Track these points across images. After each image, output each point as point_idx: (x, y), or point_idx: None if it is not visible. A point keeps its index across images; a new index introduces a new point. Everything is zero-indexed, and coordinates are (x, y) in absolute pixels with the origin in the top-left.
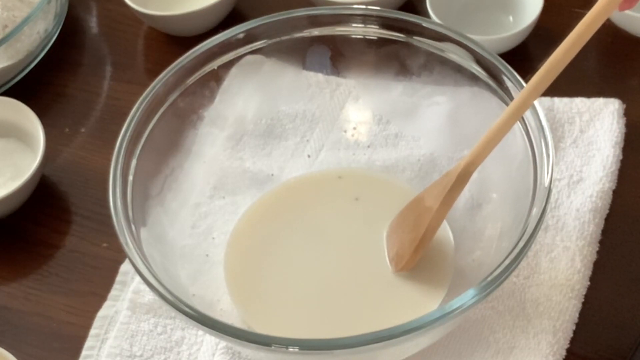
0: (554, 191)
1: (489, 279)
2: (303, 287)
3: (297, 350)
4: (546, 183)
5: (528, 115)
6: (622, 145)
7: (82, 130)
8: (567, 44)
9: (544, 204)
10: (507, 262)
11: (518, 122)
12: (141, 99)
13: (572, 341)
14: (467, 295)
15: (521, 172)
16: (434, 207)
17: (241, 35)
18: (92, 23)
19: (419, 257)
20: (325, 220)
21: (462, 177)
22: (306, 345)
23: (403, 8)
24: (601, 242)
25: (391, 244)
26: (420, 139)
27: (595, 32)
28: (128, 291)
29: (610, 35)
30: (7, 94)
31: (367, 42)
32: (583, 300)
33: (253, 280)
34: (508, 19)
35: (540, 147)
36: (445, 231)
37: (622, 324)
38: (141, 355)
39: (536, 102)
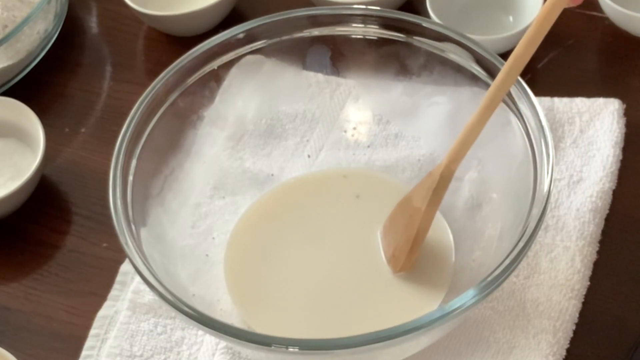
0: (554, 191)
1: (489, 279)
2: (303, 286)
3: (297, 350)
4: (546, 183)
5: (528, 115)
6: (622, 145)
7: (82, 130)
8: (526, 39)
9: (544, 204)
10: (507, 262)
11: (518, 122)
12: (141, 99)
13: (572, 341)
14: (467, 296)
15: (521, 172)
16: (422, 207)
17: (241, 35)
18: (92, 23)
19: (415, 257)
20: (325, 220)
21: (445, 177)
22: (306, 345)
23: (403, 8)
24: (601, 242)
25: (386, 245)
26: (420, 139)
27: (595, 32)
28: (128, 291)
29: (610, 35)
30: (7, 94)
31: (367, 42)
32: (583, 300)
33: (253, 280)
34: (508, 19)
35: (540, 147)
36: (444, 231)
37: (622, 324)
38: (141, 355)
39: (536, 102)
